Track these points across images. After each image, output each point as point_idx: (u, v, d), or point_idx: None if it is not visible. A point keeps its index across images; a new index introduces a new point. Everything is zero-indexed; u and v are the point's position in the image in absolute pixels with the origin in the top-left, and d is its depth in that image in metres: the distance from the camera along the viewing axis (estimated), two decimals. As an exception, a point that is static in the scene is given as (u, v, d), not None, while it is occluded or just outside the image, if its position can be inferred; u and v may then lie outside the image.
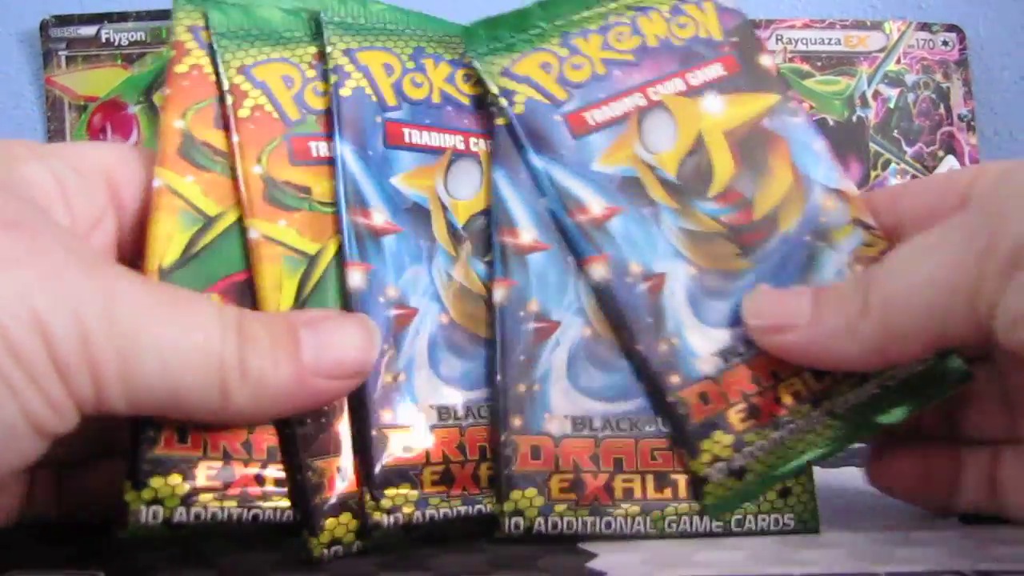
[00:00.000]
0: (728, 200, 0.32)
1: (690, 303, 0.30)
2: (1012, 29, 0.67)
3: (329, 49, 0.32)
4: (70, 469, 0.30)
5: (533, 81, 0.33)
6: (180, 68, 0.31)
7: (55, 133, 0.59)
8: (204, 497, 0.26)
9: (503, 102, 0.32)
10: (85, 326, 0.23)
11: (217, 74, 0.31)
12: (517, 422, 0.29)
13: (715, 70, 0.34)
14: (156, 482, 0.26)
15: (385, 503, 0.28)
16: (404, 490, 0.28)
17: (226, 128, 0.30)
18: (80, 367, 0.23)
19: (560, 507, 0.29)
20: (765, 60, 0.34)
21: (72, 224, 0.28)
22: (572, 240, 0.31)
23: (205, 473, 0.26)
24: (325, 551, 0.27)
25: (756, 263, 0.31)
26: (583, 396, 0.30)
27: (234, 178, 0.30)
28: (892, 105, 0.64)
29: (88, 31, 0.59)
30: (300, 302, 0.29)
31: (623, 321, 0.30)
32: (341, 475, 0.27)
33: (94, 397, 0.23)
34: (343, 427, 0.28)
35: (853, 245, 0.31)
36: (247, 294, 0.29)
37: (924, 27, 0.65)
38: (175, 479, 0.26)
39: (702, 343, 0.30)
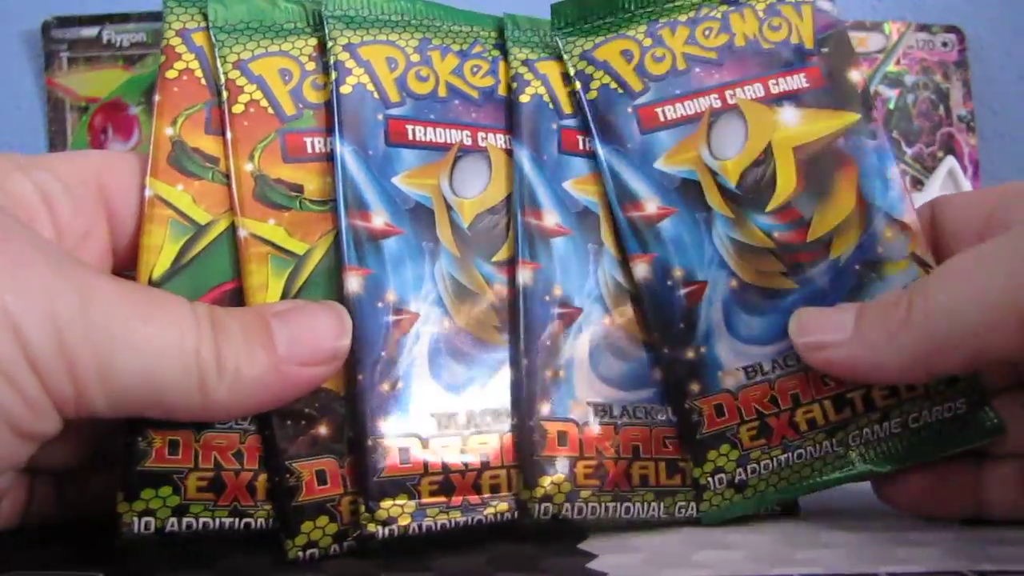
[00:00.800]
0: (785, 217, 0.31)
1: (725, 315, 0.30)
2: (1012, 30, 0.67)
3: (330, 44, 0.31)
4: (70, 480, 0.30)
5: (611, 68, 0.32)
6: (170, 73, 0.30)
7: (56, 134, 0.59)
8: (196, 508, 0.26)
9: (577, 85, 0.32)
10: (59, 324, 0.23)
11: (215, 69, 0.30)
12: (545, 408, 0.29)
13: (799, 80, 0.33)
14: (147, 494, 0.26)
15: (380, 514, 0.27)
16: (401, 501, 0.28)
17: (221, 126, 0.30)
18: (56, 365, 0.23)
19: (585, 493, 0.29)
20: (854, 75, 0.33)
21: (57, 236, 0.27)
22: (622, 235, 0.31)
23: (196, 484, 0.27)
24: (301, 554, 0.27)
25: (800, 285, 0.31)
26: (603, 384, 0.30)
27: (226, 183, 0.29)
28: (892, 106, 0.64)
29: (89, 32, 0.59)
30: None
31: (656, 322, 0.30)
32: (319, 478, 0.27)
33: (74, 397, 0.23)
34: (323, 430, 0.28)
35: (906, 280, 0.31)
36: (239, 304, 0.28)
37: (924, 28, 0.65)
38: (166, 491, 0.26)
39: (729, 357, 0.30)
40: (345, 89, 0.31)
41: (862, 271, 0.31)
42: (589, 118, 0.32)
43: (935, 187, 0.59)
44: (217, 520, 0.27)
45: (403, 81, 0.32)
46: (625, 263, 0.31)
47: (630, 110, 0.32)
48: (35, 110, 0.61)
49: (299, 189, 0.30)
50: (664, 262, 0.31)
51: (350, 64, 0.31)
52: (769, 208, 0.31)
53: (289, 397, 0.27)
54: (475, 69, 0.33)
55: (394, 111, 0.31)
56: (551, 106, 0.32)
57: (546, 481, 0.28)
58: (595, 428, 0.29)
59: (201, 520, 0.27)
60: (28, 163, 0.28)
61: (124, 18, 0.60)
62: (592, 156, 0.32)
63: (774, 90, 0.32)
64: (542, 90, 0.32)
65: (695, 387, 0.30)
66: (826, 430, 0.30)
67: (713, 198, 0.31)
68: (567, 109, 0.32)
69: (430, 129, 0.31)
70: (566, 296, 0.30)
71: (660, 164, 0.31)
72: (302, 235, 0.29)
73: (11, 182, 0.27)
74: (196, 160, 0.29)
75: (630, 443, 0.30)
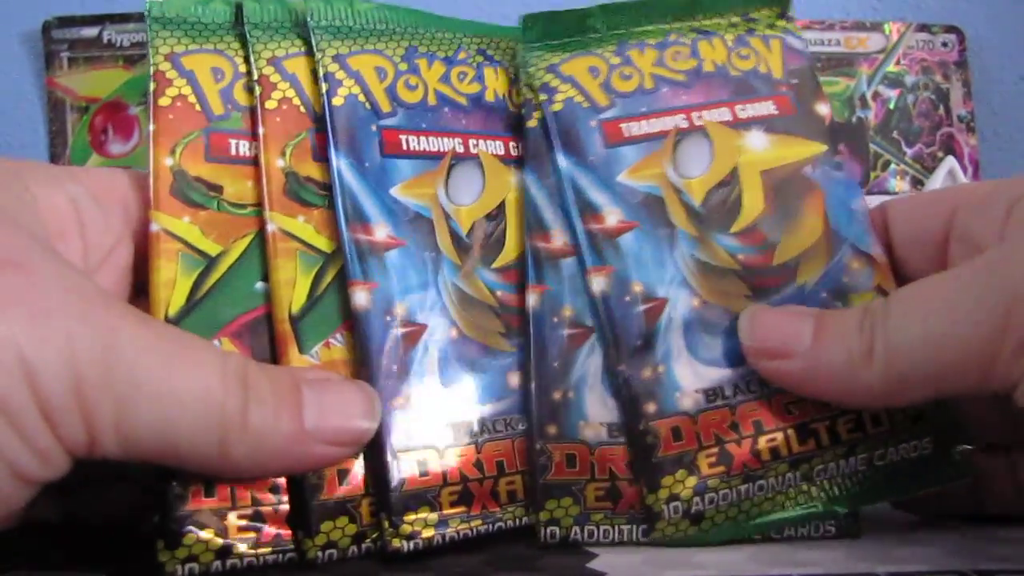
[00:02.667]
0: (750, 239, 0.31)
1: (685, 335, 0.29)
2: (1012, 30, 0.67)
3: (318, 56, 0.31)
4: (74, 494, 0.30)
5: (578, 82, 0.32)
6: (163, 101, 0.30)
7: (56, 134, 0.59)
8: (239, 549, 0.26)
9: (542, 98, 0.32)
10: (79, 371, 0.22)
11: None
12: (552, 430, 0.29)
13: (767, 107, 0.32)
14: (189, 539, 0.26)
15: (405, 529, 0.27)
16: (423, 514, 0.27)
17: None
18: (71, 414, 0.22)
19: (597, 516, 0.29)
20: (821, 108, 0.33)
21: (85, 251, 0.27)
22: (581, 247, 0.30)
23: (236, 524, 0.26)
24: (320, 553, 0.27)
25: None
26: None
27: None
28: (892, 106, 0.64)
29: (90, 32, 0.59)
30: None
31: (613, 338, 0.29)
32: (341, 478, 0.27)
33: (87, 444, 0.23)
34: None
35: None
36: (259, 333, 0.28)
37: (924, 28, 0.65)
38: (207, 534, 0.26)
39: (688, 377, 0.29)
40: (338, 100, 0.30)
41: (827, 299, 0.30)
42: (551, 131, 0.31)
43: (935, 187, 0.59)
44: (261, 559, 0.27)
45: (393, 90, 0.31)
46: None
47: (594, 123, 0.32)
48: (35, 110, 0.61)
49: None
50: (623, 276, 0.30)
51: (340, 75, 0.31)
52: (734, 229, 0.31)
53: (303, 471, 0.26)
54: (461, 76, 0.33)
55: (387, 121, 0.31)
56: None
57: (552, 504, 0.28)
58: (608, 449, 0.29)
59: (246, 560, 0.26)
60: (62, 174, 0.28)
61: (124, 18, 0.60)
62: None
63: (741, 115, 0.32)
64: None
65: (651, 407, 0.29)
66: (789, 461, 0.29)
67: (677, 215, 0.31)
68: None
69: (423, 138, 0.31)
70: (577, 316, 0.30)
71: (623, 178, 0.31)
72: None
73: (45, 193, 0.26)
74: (199, 189, 0.29)
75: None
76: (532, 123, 0.32)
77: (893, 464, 0.29)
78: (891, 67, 0.64)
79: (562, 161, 0.31)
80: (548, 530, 0.28)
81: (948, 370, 0.25)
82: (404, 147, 0.31)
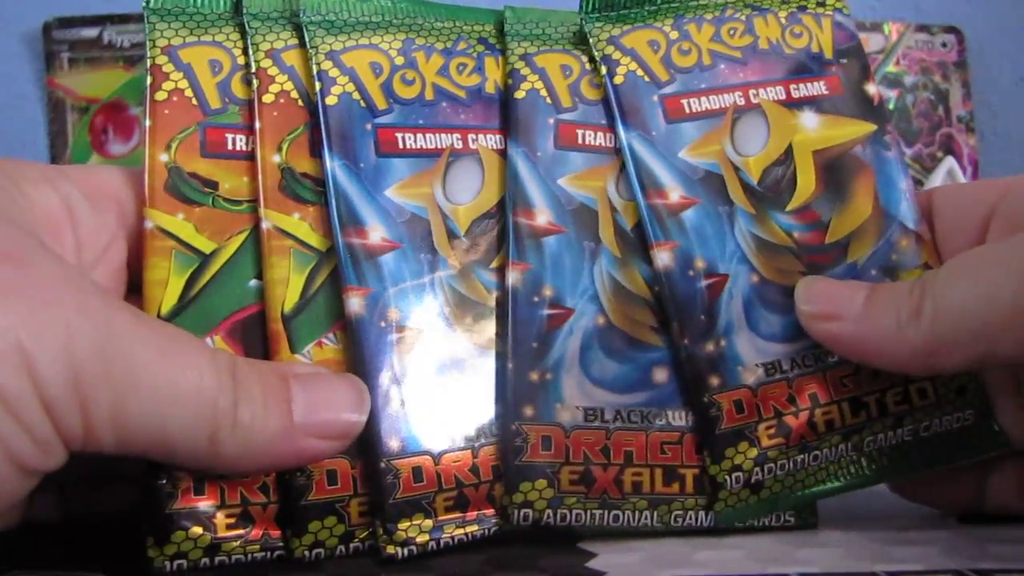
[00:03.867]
0: (804, 218, 0.31)
1: (746, 310, 0.30)
2: (1011, 30, 0.67)
3: (312, 53, 0.30)
4: (73, 492, 0.30)
5: (638, 56, 0.32)
6: (159, 95, 0.29)
7: (57, 135, 0.59)
8: (227, 546, 0.26)
9: (604, 69, 0.32)
10: (76, 362, 0.22)
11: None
12: (528, 411, 0.28)
13: (819, 87, 0.33)
14: (178, 536, 0.26)
15: (399, 536, 0.27)
16: (418, 521, 0.27)
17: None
18: (69, 405, 0.22)
19: (570, 499, 0.28)
20: (870, 88, 0.33)
21: (79, 249, 0.27)
22: (643, 222, 0.30)
23: (226, 522, 0.26)
24: (307, 552, 0.27)
25: None
26: (595, 386, 0.29)
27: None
28: (892, 106, 0.64)
29: (90, 33, 0.59)
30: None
31: (677, 313, 0.30)
32: (330, 478, 0.27)
33: (83, 434, 0.23)
34: None
35: None
36: (253, 332, 0.28)
37: (923, 28, 0.65)
38: (196, 531, 0.26)
39: (749, 352, 0.30)
40: (331, 100, 0.30)
41: (878, 276, 0.31)
42: (613, 102, 0.31)
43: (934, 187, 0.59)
44: (250, 555, 0.27)
45: (389, 86, 0.31)
46: (625, 260, 0.30)
47: (655, 98, 0.32)
48: (36, 110, 0.61)
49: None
50: (687, 252, 0.30)
51: (334, 72, 0.30)
52: (789, 208, 0.31)
53: (293, 465, 0.26)
54: (461, 68, 0.32)
55: (383, 119, 0.30)
56: (548, 100, 0.31)
57: (527, 487, 0.28)
58: (584, 433, 0.29)
59: (234, 557, 0.26)
60: (54, 174, 0.27)
61: (125, 19, 0.60)
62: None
63: (795, 94, 0.33)
64: (539, 84, 0.31)
65: (715, 381, 0.29)
66: (842, 432, 0.30)
67: (735, 192, 0.31)
68: (565, 103, 0.32)
69: (420, 135, 0.30)
70: (557, 296, 0.29)
71: (684, 154, 0.31)
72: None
73: (38, 192, 0.26)
74: (194, 186, 0.29)
75: (622, 448, 0.29)
76: (520, 94, 0.31)
77: (937, 435, 0.30)
78: (890, 67, 0.64)
79: (623, 134, 0.31)
80: (521, 512, 0.28)
81: (993, 329, 0.25)
82: (400, 145, 0.30)
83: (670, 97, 0.32)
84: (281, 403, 0.25)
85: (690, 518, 0.29)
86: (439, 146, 0.31)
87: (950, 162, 0.60)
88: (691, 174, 0.31)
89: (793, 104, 0.33)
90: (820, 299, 0.29)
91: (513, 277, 0.29)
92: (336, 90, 0.30)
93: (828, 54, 0.33)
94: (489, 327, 0.29)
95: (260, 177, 0.29)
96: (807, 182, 0.32)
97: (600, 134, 0.32)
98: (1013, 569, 0.26)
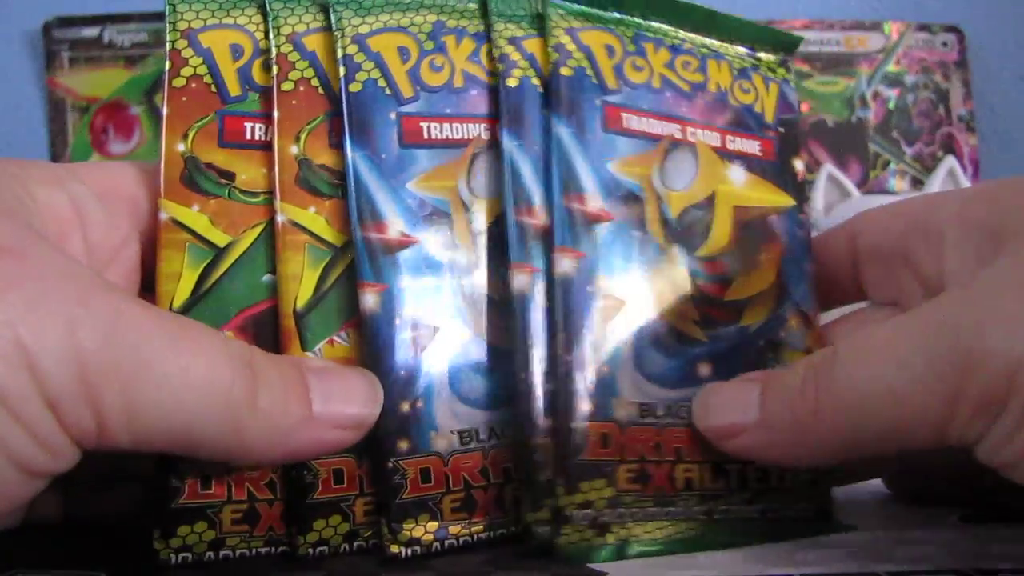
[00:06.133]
0: (712, 268, 0.30)
1: (635, 343, 0.29)
2: (1012, 29, 0.67)
3: (337, 35, 0.29)
4: (75, 492, 0.29)
5: (593, 56, 0.31)
6: (177, 82, 0.28)
7: (57, 134, 0.59)
8: (232, 541, 0.26)
9: (554, 56, 0.30)
10: (82, 356, 0.21)
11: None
12: (586, 407, 0.27)
13: (753, 146, 0.32)
14: (183, 530, 0.26)
15: (403, 536, 0.27)
16: (423, 521, 0.27)
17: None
18: (78, 400, 0.21)
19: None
20: (798, 164, 0.33)
21: (89, 251, 0.27)
22: (553, 223, 0.28)
23: (231, 517, 0.26)
24: (311, 550, 0.27)
25: (709, 340, 0.30)
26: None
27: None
28: (892, 106, 0.64)
29: (91, 32, 0.59)
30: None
31: (563, 324, 0.28)
32: (336, 477, 0.27)
33: (96, 432, 0.22)
34: None
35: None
36: (266, 327, 0.27)
37: (923, 28, 0.65)
38: (201, 526, 0.26)
39: (628, 388, 0.28)
40: (355, 87, 0.28)
41: (765, 348, 0.30)
42: (553, 91, 0.29)
43: (935, 187, 0.59)
44: (254, 550, 0.27)
45: (416, 73, 0.29)
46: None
47: (598, 102, 0.30)
48: (36, 110, 0.61)
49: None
50: (590, 266, 0.28)
51: (359, 58, 0.29)
52: (699, 253, 0.30)
53: (310, 456, 0.26)
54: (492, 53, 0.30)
55: (408, 108, 0.29)
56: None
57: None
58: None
59: (239, 551, 0.26)
60: (64, 174, 0.27)
61: (125, 18, 0.60)
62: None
63: (730, 146, 0.32)
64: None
65: (586, 407, 0.27)
66: (699, 495, 0.29)
67: (652, 222, 0.30)
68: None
69: (446, 125, 0.29)
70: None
71: (613, 167, 0.30)
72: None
73: (45, 193, 0.26)
74: (211, 177, 0.28)
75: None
76: (512, 82, 0.30)
77: (782, 518, 0.30)
78: (891, 67, 0.64)
79: (558, 129, 0.29)
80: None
81: (901, 430, 0.24)
82: (425, 136, 0.29)
83: (613, 106, 0.30)
84: (300, 392, 0.25)
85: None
86: (466, 136, 0.29)
87: (951, 161, 0.60)
88: (614, 189, 0.30)
89: (725, 154, 0.32)
90: (717, 413, 0.28)
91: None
92: (361, 76, 0.29)
93: (769, 118, 0.33)
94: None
95: (276, 169, 0.28)
96: (722, 234, 0.31)
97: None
98: (1016, 569, 0.26)
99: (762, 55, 0.34)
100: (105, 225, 0.27)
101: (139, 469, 0.26)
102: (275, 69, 0.28)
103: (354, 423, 0.26)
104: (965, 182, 0.59)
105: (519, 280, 0.28)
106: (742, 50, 0.34)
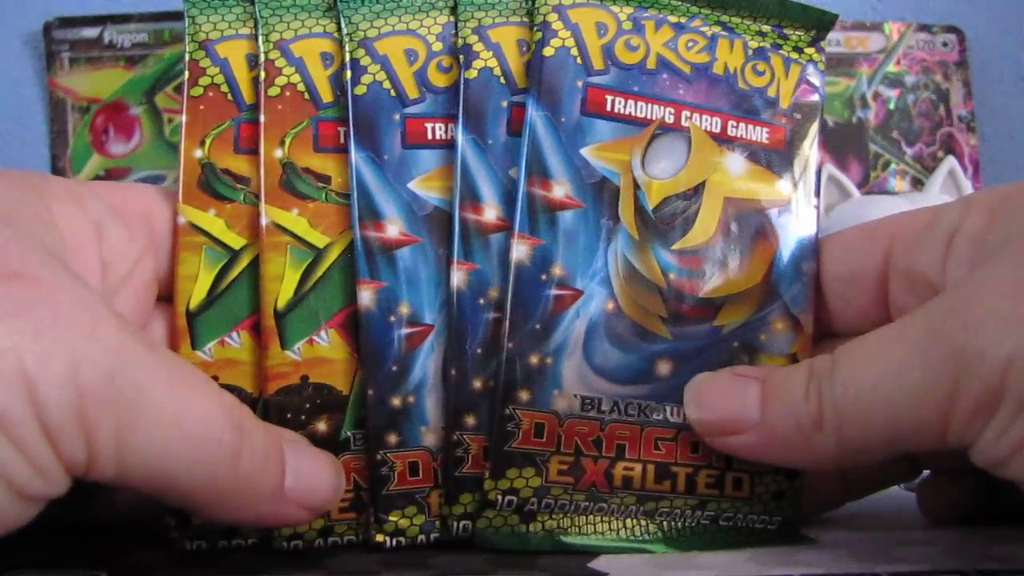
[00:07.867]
0: (687, 262, 0.29)
1: (587, 334, 0.28)
2: (1012, 30, 0.67)
3: (344, 40, 0.29)
4: (75, 493, 0.29)
5: (581, 34, 0.29)
6: (195, 91, 0.29)
7: (58, 135, 0.59)
8: (247, 529, 0.28)
9: (537, 35, 0.29)
10: (82, 388, 0.21)
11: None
12: (524, 396, 0.27)
13: (760, 133, 0.30)
14: (197, 519, 0.27)
15: (388, 526, 0.28)
16: (410, 513, 0.28)
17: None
18: (73, 432, 0.21)
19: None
20: (812, 153, 0.31)
21: (103, 268, 0.27)
22: (514, 208, 0.28)
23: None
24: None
25: (674, 337, 0.29)
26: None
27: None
28: (892, 106, 0.64)
29: (91, 33, 0.59)
30: (299, 296, 0.28)
31: (511, 311, 0.28)
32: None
33: (86, 462, 0.22)
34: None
35: None
36: None
37: (924, 28, 0.65)
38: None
39: (572, 378, 0.28)
40: (359, 89, 0.29)
41: (738, 350, 0.29)
42: (533, 73, 0.29)
43: (935, 187, 0.59)
44: (250, 542, 0.28)
45: (423, 74, 0.30)
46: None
47: (580, 84, 0.29)
48: (36, 110, 0.61)
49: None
50: (547, 253, 0.28)
51: (365, 61, 0.29)
52: (675, 246, 0.29)
53: (270, 525, 0.27)
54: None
55: (412, 109, 0.29)
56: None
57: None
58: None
59: (249, 540, 0.28)
60: (82, 190, 0.27)
61: (125, 19, 0.60)
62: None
63: (731, 132, 0.30)
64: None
65: (524, 395, 0.27)
66: (638, 495, 0.28)
67: (625, 211, 0.29)
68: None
69: (451, 125, 0.29)
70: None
71: (587, 152, 0.29)
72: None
73: (62, 209, 0.26)
74: (227, 182, 0.29)
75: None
76: (472, 73, 0.29)
77: (736, 527, 0.29)
78: (891, 67, 0.64)
79: (532, 111, 0.29)
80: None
81: (902, 434, 0.24)
82: (429, 136, 0.29)
83: (596, 88, 0.29)
84: (277, 464, 0.25)
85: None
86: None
87: (951, 162, 0.60)
88: (586, 175, 0.29)
89: (725, 141, 0.30)
90: (713, 406, 0.28)
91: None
92: (366, 79, 0.29)
93: (784, 103, 0.31)
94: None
95: (261, 172, 0.28)
96: (706, 227, 0.29)
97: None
98: (1016, 570, 0.26)
99: (790, 31, 0.32)
100: (122, 241, 0.27)
101: None
102: (262, 75, 0.29)
103: (316, 506, 0.26)
104: (965, 182, 0.59)
105: (458, 277, 0.28)
106: (767, 27, 0.32)
